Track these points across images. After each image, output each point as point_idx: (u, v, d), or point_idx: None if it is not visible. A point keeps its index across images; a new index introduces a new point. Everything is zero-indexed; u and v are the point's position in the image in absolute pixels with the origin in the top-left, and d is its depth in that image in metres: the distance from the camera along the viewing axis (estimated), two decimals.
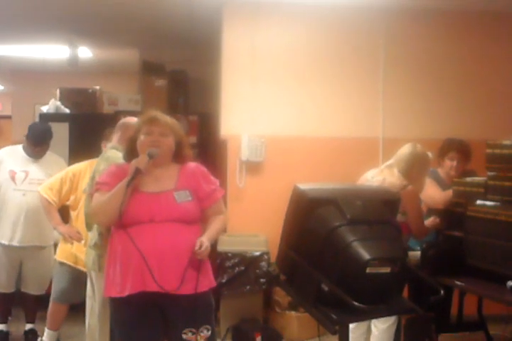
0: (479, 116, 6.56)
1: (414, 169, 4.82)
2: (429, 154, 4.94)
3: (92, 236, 4.28)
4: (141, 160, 3.57)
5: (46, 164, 5.87)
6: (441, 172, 5.42)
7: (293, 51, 6.48)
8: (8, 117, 12.66)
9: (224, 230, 3.79)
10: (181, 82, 9.41)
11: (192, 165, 3.73)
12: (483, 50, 6.59)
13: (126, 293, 3.46)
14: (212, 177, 3.74)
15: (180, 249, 3.46)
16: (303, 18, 6.40)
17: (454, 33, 6.57)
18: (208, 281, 3.57)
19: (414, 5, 6.27)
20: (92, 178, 4.34)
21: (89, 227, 4.39)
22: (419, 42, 6.55)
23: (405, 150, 4.90)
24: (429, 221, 5.06)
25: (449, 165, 5.39)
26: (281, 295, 5.97)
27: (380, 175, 4.87)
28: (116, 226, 3.56)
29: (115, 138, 4.46)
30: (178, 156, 3.69)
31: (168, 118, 3.71)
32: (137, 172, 3.53)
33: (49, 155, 5.97)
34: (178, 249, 3.46)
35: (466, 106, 6.58)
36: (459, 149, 5.39)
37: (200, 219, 3.63)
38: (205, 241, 3.47)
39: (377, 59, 6.53)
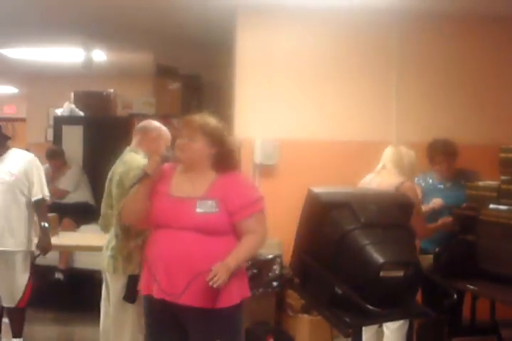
0: (494, 120, 6.54)
1: (405, 165, 4.99)
2: (412, 152, 5.09)
3: (110, 238, 4.31)
4: (150, 164, 3.55)
5: (7, 161, 5.37)
6: (435, 175, 5.48)
7: (306, 55, 6.49)
8: (23, 120, 12.74)
9: (256, 251, 3.53)
10: (195, 86, 9.48)
11: (233, 175, 3.54)
12: (497, 54, 6.58)
13: (143, 293, 3.55)
14: (251, 192, 3.56)
15: (192, 258, 3.37)
16: (316, 22, 6.40)
17: (468, 37, 6.55)
18: (226, 297, 3.39)
19: (428, 9, 6.26)
20: (110, 180, 4.39)
21: (105, 229, 4.43)
22: (433, 46, 6.54)
23: (390, 150, 5.10)
24: (441, 220, 5.10)
25: (439, 169, 5.42)
26: (293, 298, 5.97)
27: (377, 177, 5.02)
28: (151, 228, 3.58)
29: (134, 141, 4.49)
30: (217, 165, 3.52)
31: (203, 122, 3.51)
32: (144, 175, 3.50)
33: (12, 153, 5.47)
34: (188, 258, 3.37)
35: (480, 110, 6.57)
36: (444, 152, 5.41)
37: (230, 232, 3.44)
38: (220, 269, 3.27)
39: (391, 62, 6.53)
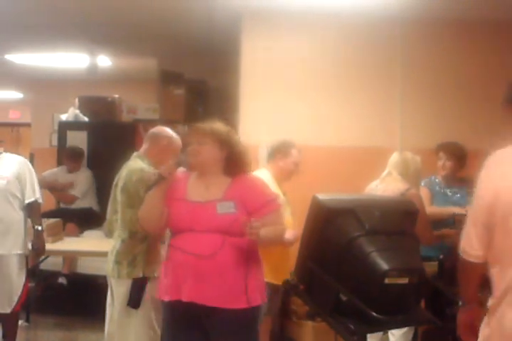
0: (499, 126, 6.53)
1: (410, 171, 4.98)
2: (418, 158, 5.14)
3: (115, 243, 4.31)
4: (166, 167, 3.61)
5: None
6: (438, 176, 5.52)
7: (311, 60, 6.49)
8: (28, 125, 12.76)
9: (279, 239, 3.72)
10: (200, 91, 9.47)
11: (247, 176, 3.67)
12: (503, 59, 6.56)
13: (166, 299, 3.56)
14: (267, 191, 3.68)
15: (218, 260, 3.44)
16: (321, 28, 6.40)
17: (473, 42, 6.54)
18: (250, 298, 3.50)
19: (431, 14, 6.26)
20: (116, 185, 4.38)
21: (110, 234, 4.43)
22: (436, 51, 6.53)
23: (395, 157, 5.15)
24: (444, 231, 5.11)
25: (439, 165, 5.51)
26: (298, 305, 5.96)
27: (382, 184, 5.05)
28: (172, 233, 3.65)
29: (143, 147, 4.46)
30: (228, 169, 3.62)
31: (210, 127, 3.63)
32: (159, 178, 3.57)
33: (4, 157, 5.40)
34: (215, 260, 3.44)
35: (485, 115, 6.55)
36: (445, 149, 5.50)
37: None
38: (255, 223, 3.36)
39: (395, 67, 6.52)
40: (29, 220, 5.39)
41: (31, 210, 5.36)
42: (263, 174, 4.62)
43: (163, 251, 4.22)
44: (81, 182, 8.38)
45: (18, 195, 5.30)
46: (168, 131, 4.49)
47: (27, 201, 5.31)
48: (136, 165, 4.29)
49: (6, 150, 5.53)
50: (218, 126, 3.66)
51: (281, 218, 3.70)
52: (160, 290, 3.66)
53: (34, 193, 5.34)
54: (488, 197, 2.66)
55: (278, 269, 4.55)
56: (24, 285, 5.38)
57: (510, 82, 3.04)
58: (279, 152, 4.99)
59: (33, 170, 5.47)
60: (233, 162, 3.61)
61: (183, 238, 3.55)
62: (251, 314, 3.53)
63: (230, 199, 3.52)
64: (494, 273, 2.69)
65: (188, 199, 3.58)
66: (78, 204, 8.37)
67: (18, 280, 5.31)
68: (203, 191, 3.58)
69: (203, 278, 3.44)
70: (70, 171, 8.47)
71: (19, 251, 5.31)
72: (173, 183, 3.63)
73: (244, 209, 3.51)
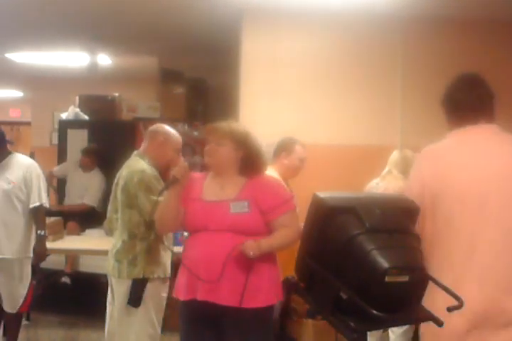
0: (501, 124, 6.53)
1: (411, 169, 5.01)
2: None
3: (115, 242, 4.32)
4: (179, 169, 3.60)
5: (6, 168, 5.28)
6: None
7: (311, 59, 6.50)
8: (28, 123, 12.77)
9: (289, 243, 3.63)
10: (200, 90, 9.50)
11: (262, 176, 3.68)
12: (503, 58, 6.57)
13: (182, 298, 3.58)
14: (283, 191, 3.69)
15: (231, 258, 3.45)
16: (322, 26, 6.41)
17: (474, 41, 6.55)
18: (263, 297, 3.54)
19: (432, 13, 6.27)
20: (116, 184, 4.38)
21: (110, 232, 4.43)
22: (437, 50, 6.54)
23: (396, 155, 5.28)
24: None
25: None
26: (298, 303, 5.94)
27: (383, 182, 5.10)
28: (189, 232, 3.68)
29: (143, 145, 4.46)
30: (244, 169, 3.63)
31: (228, 128, 3.64)
32: (174, 181, 3.58)
33: (13, 158, 5.34)
34: (227, 259, 3.45)
35: None
36: None
37: (264, 232, 3.56)
38: (251, 243, 3.41)
39: (395, 66, 6.53)
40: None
41: (36, 214, 5.33)
42: (270, 173, 4.63)
43: (164, 251, 4.24)
44: (94, 188, 8.33)
45: (24, 199, 5.28)
46: (165, 127, 4.49)
47: (32, 205, 5.28)
48: (137, 165, 4.28)
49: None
50: (236, 126, 3.69)
51: (296, 218, 3.67)
52: (176, 289, 3.67)
53: (40, 198, 5.30)
54: (417, 186, 3.06)
55: (288, 266, 4.57)
56: (29, 286, 5.40)
57: (448, 84, 3.35)
58: (283, 149, 4.99)
59: (41, 173, 5.44)
60: (249, 162, 3.63)
61: (197, 238, 3.56)
62: (264, 313, 3.56)
63: (244, 199, 3.54)
64: (427, 257, 2.94)
65: (204, 199, 3.60)
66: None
67: (21, 285, 5.34)
68: (218, 191, 3.60)
69: (214, 277, 3.46)
70: (85, 170, 8.46)
71: (23, 255, 5.31)
72: (190, 183, 3.64)
73: (258, 210, 3.53)
